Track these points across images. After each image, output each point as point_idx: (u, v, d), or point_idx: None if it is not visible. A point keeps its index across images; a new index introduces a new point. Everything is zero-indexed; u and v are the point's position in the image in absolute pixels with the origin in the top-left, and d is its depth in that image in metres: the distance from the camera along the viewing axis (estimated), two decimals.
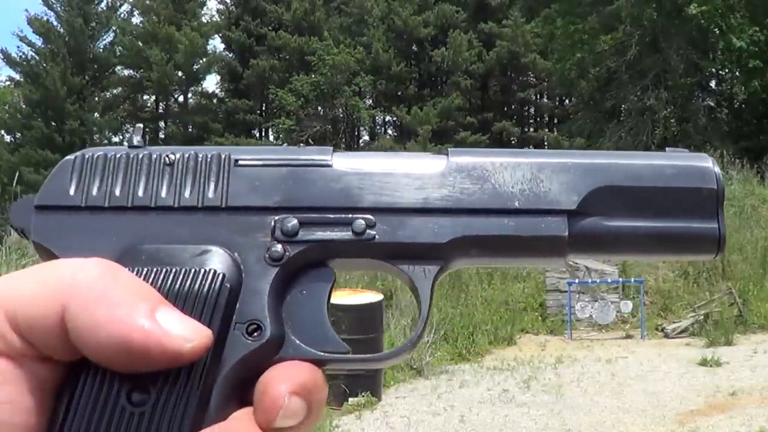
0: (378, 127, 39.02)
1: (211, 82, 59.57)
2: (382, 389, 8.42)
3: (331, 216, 0.64)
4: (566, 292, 12.19)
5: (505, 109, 37.65)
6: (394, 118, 36.57)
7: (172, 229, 0.62)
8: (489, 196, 0.65)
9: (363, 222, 0.63)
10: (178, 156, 0.64)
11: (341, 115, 35.29)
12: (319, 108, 34.32)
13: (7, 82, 38.47)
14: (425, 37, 34.52)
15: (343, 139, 36.37)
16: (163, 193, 0.63)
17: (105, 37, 35.43)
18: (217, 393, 0.56)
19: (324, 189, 0.64)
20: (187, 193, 0.63)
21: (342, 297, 8.11)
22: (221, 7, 38.47)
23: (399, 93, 35.40)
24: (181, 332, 0.52)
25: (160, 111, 37.57)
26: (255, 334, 0.59)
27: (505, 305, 12.53)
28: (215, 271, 0.59)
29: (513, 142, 38.77)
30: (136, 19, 36.51)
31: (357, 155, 0.67)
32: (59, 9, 33.76)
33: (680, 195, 0.67)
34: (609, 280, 12.46)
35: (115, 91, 36.46)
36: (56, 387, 0.52)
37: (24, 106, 33.62)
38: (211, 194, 0.63)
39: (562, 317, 12.31)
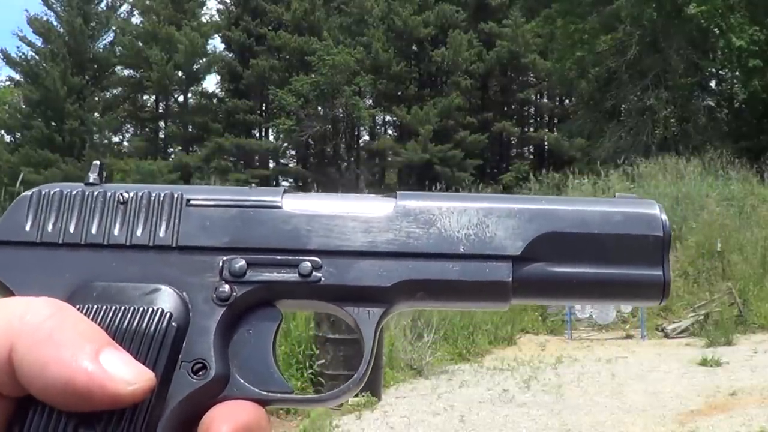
0: (378, 127, 39.03)
1: (211, 82, 59.64)
2: (382, 389, 8.42)
3: (279, 257, 0.64)
4: None
5: (505, 109, 37.65)
6: (394, 118, 36.57)
7: (124, 267, 0.63)
8: (435, 241, 0.66)
9: (309, 264, 0.64)
10: (131, 194, 0.65)
11: (341, 115, 35.29)
12: (319, 108, 34.32)
13: (7, 82, 38.51)
14: (425, 37, 34.52)
15: (343, 139, 36.39)
16: (116, 231, 0.64)
17: (105, 37, 35.47)
18: (161, 430, 0.56)
19: (272, 230, 0.65)
20: (139, 232, 0.64)
21: None
22: (221, 7, 38.50)
23: (399, 93, 35.39)
24: (123, 375, 0.52)
25: (160, 111, 37.56)
26: (200, 372, 0.59)
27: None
28: (163, 311, 0.60)
29: (513, 141, 38.79)
30: (136, 19, 36.56)
31: (308, 197, 0.68)
32: (59, 9, 33.77)
33: (626, 242, 0.67)
34: None
35: (115, 91, 36.46)
36: (5, 421, 0.53)
37: (24, 106, 33.62)
38: (162, 233, 0.64)
39: (562, 317, 12.31)
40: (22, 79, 34.41)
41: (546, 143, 37.13)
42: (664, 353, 10.30)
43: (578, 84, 27.71)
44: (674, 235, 14.34)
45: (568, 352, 10.53)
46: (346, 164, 36.58)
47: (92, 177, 0.67)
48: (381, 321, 0.66)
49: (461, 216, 0.66)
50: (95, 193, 0.65)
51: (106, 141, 35.82)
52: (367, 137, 38.76)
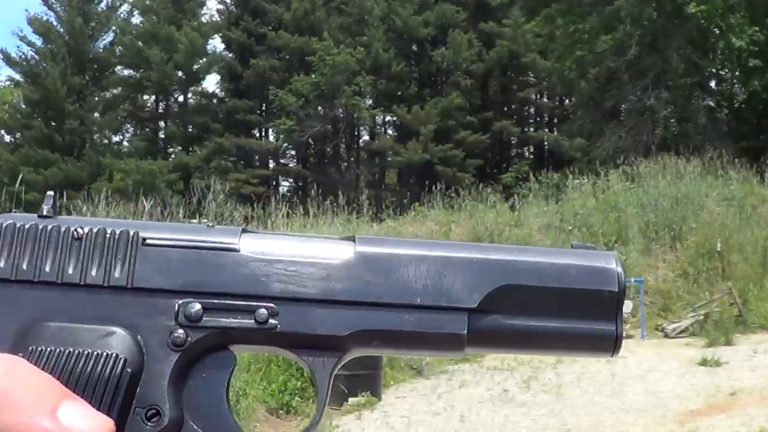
0: (378, 127, 39.01)
1: (211, 82, 59.60)
2: (382, 389, 8.42)
3: (235, 303, 0.64)
4: None
5: (505, 108, 37.64)
6: (395, 118, 36.55)
7: (78, 307, 0.62)
8: (392, 291, 0.66)
9: (266, 311, 0.64)
10: (86, 230, 0.64)
11: (341, 115, 35.28)
12: (320, 108, 34.31)
13: (7, 82, 38.50)
14: (425, 37, 34.51)
15: (344, 139, 36.38)
16: (70, 269, 0.63)
17: (105, 37, 35.45)
18: None
19: (230, 274, 0.64)
20: (93, 271, 0.63)
21: None
22: (221, 7, 38.49)
23: (399, 93, 35.38)
24: (82, 427, 0.52)
25: (160, 111, 37.55)
26: (154, 419, 0.59)
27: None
28: (117, 356, 0.59)
29: (513, 141, 38.78)
30: (136, 19, 36.54)
31: (266, 237, 0.67)
32: (59, 9, 33.76)
33: (581, 296, 0.68)
34: None
35: (115, 91, 36.44)
36: None
37: (24, 106, 33.61)
38: (117, 273, 0.63)
39: None
40: (22, 79, 34.41)
41: (546, 143, 37.12)
42: (664, 353, 10.30)
43: (578, 84, 27.69)
44: (674, 235, 14.37)
45: None
46: (346, 164, 36.58)
47: (45, 209, 0.65)
48: (335, 368, 0.67)
49: (419, 265, 0.66)
50: (49, 228, 0.64)
51: (106, 141, 35.82)
52: (367, 137, 38.76)
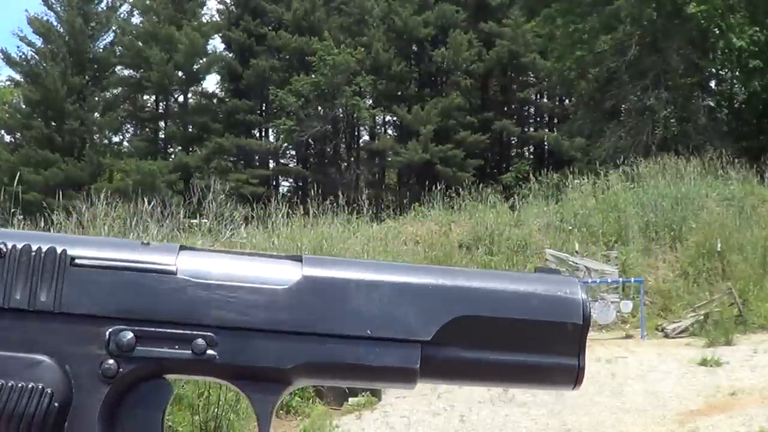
0: (378, 127, 39.00)
1: (211, 82, 59.58)
2: (382, 389, 8.42)
3: (171, 331, 0.60)
4: None
5: (505, 108, 37.62)
6: (395, 118, 36.54)
7: (1, 333, 0.58)
8: (340, 321, 0.62)
9: (204, 341, 0.60)
10: (9, 247, 0.59)
11: (341, 115, 35.27)
12: (320, 108, 34.30)
13: (7, 82, 38.48)
14: (425, 37, 34.50)
15: (344, 139, 36.37)
16: None
17: (105, 37, 35.43)
18: None
19: (165, 300, 0.60)
20: (18, 294, 0.58)
21: None
22: (221, 7, 38.46)
23: (399, 93, 35.37)
24: None
25: (160, 111, 37.54)
26: None
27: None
28: (43, 388, 0.56)
29: (513, 141, 38.77)
30: (136, 19, 36.52)
31: (206, 256, 0.63)
32: (59, 9, 33.75)
33: (543, 329, 0.64)
34: (609, 280, 12.45)
35: (115, 91, 36.43)
36: None
37: (24, 106, 33.60)
38: (43, 297, 0.58)
39: None
40: (22, 79, 34.39)
41: (546, 143, 37.11)
42: (664, 353, 10.30)
43: (578, 84, 27.69)
44: (674, 235, 14.37)
45: None
46: (346, 164, 36.57)
47: None
48: (278, 400, 0.63)
49: (371, 292, 0.62)
50: None
51: (106, 141, 35.81)
52: (367, 137, 38.75)
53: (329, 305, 0.62)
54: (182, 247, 0.63)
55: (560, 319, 0.64)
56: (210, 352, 0.60)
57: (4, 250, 0.59)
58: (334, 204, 13.88)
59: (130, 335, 0.59)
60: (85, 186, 26.32)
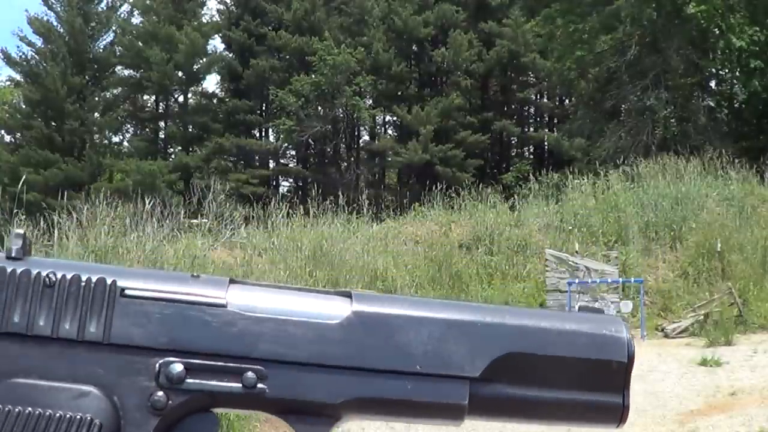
0: (378, 127, 39.02)
1: (211, 82, 59.59)
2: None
3: (221, 364, 0.59)
4: (566, 292, 12.19)
5: (505, 108, 37.63)
6: (395, 118, 36.55)
7: (49, 363, 0.57)
8: (390, 356, 0.62)
9: (254, 374, 0.60)
10: (59, 277, 0.59)
11: (341, 115, 35.27)
12: (320, 108, 34.31)
13: (7, 82, 38.49)
14: (425, 37, 34.51)
15: (344, 139, 36.37)
16: (42, 321, 0.57)
17: (105, 37, 35.42)
18: None
19: (215, 333, 0.60)
20: (67, 324, 0.58)
21: None
22: (221, 7, 38.47)
23: (399, 93, 35.38)
24: None
25: (160, 111, 37.54)
26: None
27: (505, 305, 12.53)
28: (92, 420, 0.55)
29: (513, 141, 38.78)
30: (136, 19, 36.52)
31: (255, 290, 0.63)
32: (59, 9, 33.75)
33: (589, 367, 0.65)
34: (609, 280, 12.46)
35: (115, 91, 36.44)
36: None
37: (24, 106, 33.59)
38: (93, 327, 0.58)
39: None
40: (22, 79, 34.39)
41: (546, 143, 37.12)
42: (664, 353, 10.30)
43: (578, 84, 27.68)
44: (674, 235, 14.37)
45: None
46: (346, 164, 36.57)
47: (14, 249, 0.59)
48: None
49: (420, 329, 0.62)
50: (18, 272, 0.58)
51: (106, 141, 35.81)
52: (367, 137, 38.76)
53: (379, 341, 0.62)
54: (232, 281, 0.63)
55: (605, 357, 0.65)
56: (260, 385, 0.60)
57: (54, 279, 0.58)
58: (334, 204, 13.88)
59: (180, 367, 0.58)
60: (85, 186, 26.33)
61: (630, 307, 12.09)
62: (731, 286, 12.36)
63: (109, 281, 0.59)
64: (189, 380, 0.59)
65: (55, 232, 8.62)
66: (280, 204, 13.46)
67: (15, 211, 8.32)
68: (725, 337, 10.81)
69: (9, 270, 0.58)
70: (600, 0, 24.44)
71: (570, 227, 14.47)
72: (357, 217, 14.45)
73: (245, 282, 0.63)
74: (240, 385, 0.60)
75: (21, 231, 0.61)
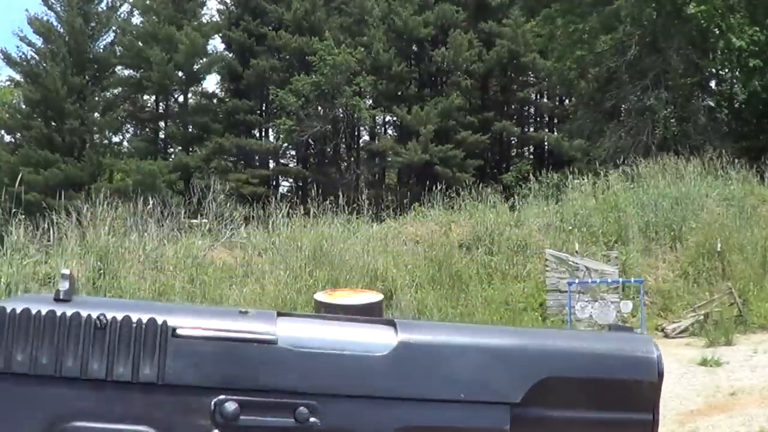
0: (378, 127, 39.02)
1: (211, 82, 59.58)
2: None
3: (274, 400, 0.60)
4: (566, 292, 12.19)
5: (506, 108, 37.63)
6: (395, 118, 36.55)
7: (104, 406, 0.57)
8: (435, 385, 0.64)
9: (306, 409, 0.61)
10: (110, 318, 0.59)
11: (341, 115, 35.27)
12: (320, 108, 34.31)
13: (7, 82, 38.48)
14: (425, 37, 34.51)
15: (344, 139, 36.37)
16: (95, 364, 0.58)
17: (105, 37, 35.41)
18: None
19: (267, 370, 0.61)
20: (121, 366, 0.58)
21: (342, 297, 8.11)
22: (221, 7, 38.46)
23: (399, 93, 35.38)
24: None
25: (160, 111, 37.54)
26: None
27: (505, 305, 12.52)
28: None
29: (513, 141, 38.78)
30: (136, 19, 36.52)
31: (303, 322, 0.64)
32: (59, 9, 33.74)
33: (622, 387, 0.67)
34: (609, 280, 12.46)
35: (115, 91, 36.44)
36: None
37: (24, 106, 33.59)
38: (146, 369, 0.58)
39: (562, 317, 12.30)
40: (22, 79, 34.39)
41: (546, 143, 37.12)
42: (664, 353, 10.11)
43: (578, 84, 27.68)
44: (674, 235, 14.37)
45: None
46: (346, 164, 36.57)
47: (62, 291, 0.59)
48: None
49: (463, 357, 0.65)
50: (69, 315, 0.58)
51: (106, 141, 35.81)
52: (367, 137, 38.76)
53: (424, 370, 0.64)
54: (279, 314, 0.64)
55: (637, 377, 0.68)
56: (312, 419, 0.61)
57: (105, 321, 0.59)
58: (334, 204, 13.87)
59: (234, 405, 0.59)
60: (85, 186, 26.34)
61: (630, 307, 12.09)
62: (731, 286, 12.35)
63: (159, 321, 0.60)
64: (243, 417, 0.59)
65: (55, 232, 8.63)
66: (280, 204, 13.46)
67: (15, 211, 8.32)
68: (725, 337, 10.81)
69: (59, 313, 0.58)
70: (600, 0, 24.43)
71: (570, 227, 14.47)
72: (357, 217, 14.44)
73: (291, 314, 0.65)
74: (293, 420, 0.61)
75: (67, 271, 0.61)
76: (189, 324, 0.60)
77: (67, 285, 0.59)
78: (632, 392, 0.67)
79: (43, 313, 0.58)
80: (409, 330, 0.65)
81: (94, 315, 0.59)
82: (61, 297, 0.59)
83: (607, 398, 0.67)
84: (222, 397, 0.59)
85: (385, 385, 0.63)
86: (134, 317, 0.59)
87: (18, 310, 0.58)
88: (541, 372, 0.66)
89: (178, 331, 0.60)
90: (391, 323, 0.65)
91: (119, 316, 0.59)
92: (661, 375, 0.69)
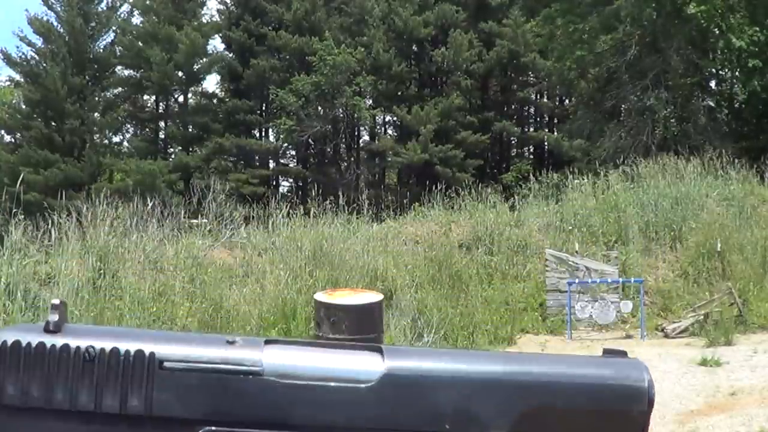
0: (378, 127, 39.02)
1: (211, 82, 59.57)
2: None
3: (260, 431, 0.60)
4: (566, 292, 12.19)
5: (506, 108, 37.63)
6: (395, 118, 36.55)
7: None
8: (421, 416, 0.63)
9: None
10: (99, 350, 0.59)
11: (341, 115, 35.27)
12: (320, 108, 34.30)
13: (7, 82, 38.48)
14: (425, 37, 34.51)
15: (344, 139, 36.37)
16: (84, 396, 0.58)
17: (105, 37, 35.42)
18: None
19: (253, 401, 0.61)
20: (109, 398, 0.58)
21: (342, 297, 8.11)
22: (221, 7, 38.46)
23: (399, 93, 35.37)
24: None
25: (160, 111, 37.54)
26: None
27: (505, 305, 12.52)
28: None
29: (513, 141, 38.78)
30: (136, 19, 36.52)
31: (289, 350, 0.64)
32: (59, 9, 33.74)
33: (611, 416, 0.66)
34: (609, 280, 12.45)
35: (115, 91, 36.44)
36: None
37: (24, 106, 33.59)
38: (135, 401, 0.59)
39: (562, 317, 12.31)
40: (22, 79, 34.38)
41: (546, 143, 37.12)
42: (664, 353, 10.29)
43: (578, 84, 27.67)
44: (674, 235, 14.36)
45: (568, 352, 10.53)
46: (346, 164, 36.57)
47: (52, 321, 0.59)
48: None
49: (449, 388, 0.64)
50: (58, 346, 0.58)
51: (106, 141, 35.81)
52: (367, 137, 38.76)
53: (410, 401, 0.63)
54: (267, 341, 0.63)
55: (627, 407, 0.67)
56: None
57: (93, 353, 0.59)
58: (334, 204, 13.87)
59: None
60: (85, 186, 26.34)
61: (630, 307, 12.09)
62: (731, 286, 12.35)
63: (147, 353, 0.59)
64: None
65: (55, 232, 8.63)
66: (280, 204, 13.45)
67: (15, 211, 8.32)
68: (725, 337, 10.81)
69: (49, 345, 0.58)
70: (600, 0, 24.43)
71: (570, 227, 14.47)
72: (357, 217, 14.43)
73: (279, 341, 0.64)
74: None
75: (57, 301, 0.61)
76: (177, 354, 0.60)
77: (57, 316, 0.59)
78: (621, 421, 0.67)
79: (34, 345, 0.58)
80: (395, 357, 0.65)
81: (83, 346, 0.59)
82: (51, 328, 0.59)
83: (596, 427, 0.66)
84: (208, 428, 0.59)
85: (370, 416, 0.62)
86: (122, 348, 0.59)
87: (9, 342, 0.58)
88: (529, 402, 0.65)
89: (166, 364, 0.60)
90: (378, 350, 0.65)
91: (108, 348, 0.59)
92: (651, 402, 0.68)
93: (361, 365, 0.64)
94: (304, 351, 0.64)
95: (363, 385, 0.62)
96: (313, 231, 12.34)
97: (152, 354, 0.59)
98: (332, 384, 0.62)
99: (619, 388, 0.67)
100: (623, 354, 0.70)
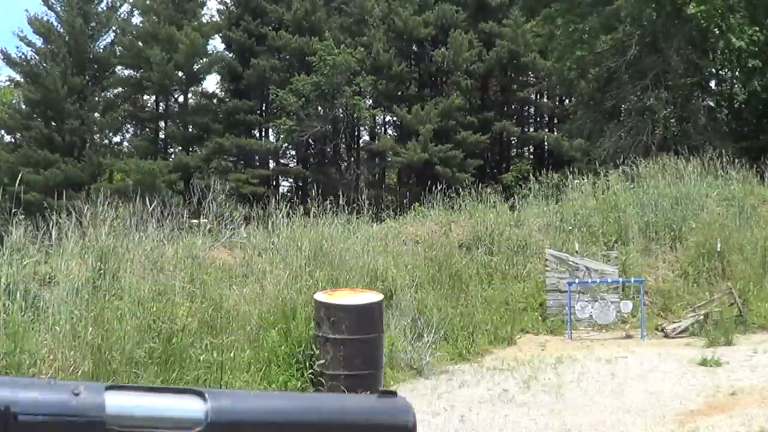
0: (378, 127, 39.03)
1: (211, 82, 59.54)
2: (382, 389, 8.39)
3: None
4: (566, 292, 12.18)
5: (506, 108, 37.64)
6: (395, 118, 36.55)
7: None
8: None
9: None
10: None
11: (341, 115, 35.27)
12: (320, 108, 34.31)
13: (7, 82, 38.48)
14: (425, 37, 34.51)
15: (344, 139, 36.38)
16: None
17: (105, 37, 35.45)
18: None
19: None
20: None
21: (342, 297, 8.11)
22: (221, 7, 38.47)
23: (399, 93, 35.38)
24: None
25: (160, 111, 37.54)
26: None
27: (505, 305, 12.52)
28: None
29: (513, 141, 38.78)
30: (136, 19, 36.54)
31: (129, 395, 0.66)
32: (59, 9, 33.75)
33: None
34: (609, 280, 12.45)
35: (115, 91, 36.45)
36: None
37: (24, 106, 33.59)
38: None
39: (562, 317, 12.30)
40: (22, 79, 34.39)
41: (546, 143, 37.12)
42: (664, 353, 10.29)
43: (578, 84, 27.67)
44: (674, 235, 14.36)
45: (568, 352, 10.53)
46: (346, 164, 36.57)
47: None
48: None
49: (263, 427, 0.70)
50: None
51: (106, 141, 35.81)
52: (367, 137, 38.76)
53: None
54: (108, 387, 0.66)
55: None
56: None
57: None
58: (334, 204, 13.85)
59: None
60: (85, 186, 26.34)
61: (630, 307, 12.09)
62: (731, 286, 12.35)
63: (2, 407, 0.61)
64: None
65: (55, 232, 8.62)
66: (280, 204, 13.43)
67: (15, 211, 8.31)
68: (725, 337, 10.80)
69: None
70: (600, 0, 24.42)
71: (570, 227, 14.46)
72: (357, 217, 14.42)
73: (120, 387, 0.67)
74: None
75: None
76: (29, 407, 0.61)
77: None
78: None
79: None
80: (216, 400, 0.68)
81: None
82: None
83: None
84: None
85: None
86: None
87: None
88: None
89: (20, 419, 0.61)
90: (201, 394, 0.68)
91: None
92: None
93: (184, 409, 0.68)
94: (141, 396, 0.67)
95: (195, 429, 0.67)
96: (313, 231, 12.33)
97: (8, 408, 0.61)
98: (167, 429, 0.66)
99: (388, 428, 0.73)
100: (394, 395, 0.76)
